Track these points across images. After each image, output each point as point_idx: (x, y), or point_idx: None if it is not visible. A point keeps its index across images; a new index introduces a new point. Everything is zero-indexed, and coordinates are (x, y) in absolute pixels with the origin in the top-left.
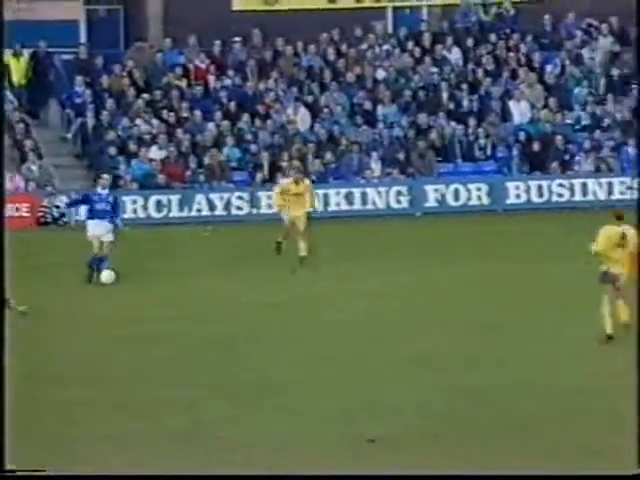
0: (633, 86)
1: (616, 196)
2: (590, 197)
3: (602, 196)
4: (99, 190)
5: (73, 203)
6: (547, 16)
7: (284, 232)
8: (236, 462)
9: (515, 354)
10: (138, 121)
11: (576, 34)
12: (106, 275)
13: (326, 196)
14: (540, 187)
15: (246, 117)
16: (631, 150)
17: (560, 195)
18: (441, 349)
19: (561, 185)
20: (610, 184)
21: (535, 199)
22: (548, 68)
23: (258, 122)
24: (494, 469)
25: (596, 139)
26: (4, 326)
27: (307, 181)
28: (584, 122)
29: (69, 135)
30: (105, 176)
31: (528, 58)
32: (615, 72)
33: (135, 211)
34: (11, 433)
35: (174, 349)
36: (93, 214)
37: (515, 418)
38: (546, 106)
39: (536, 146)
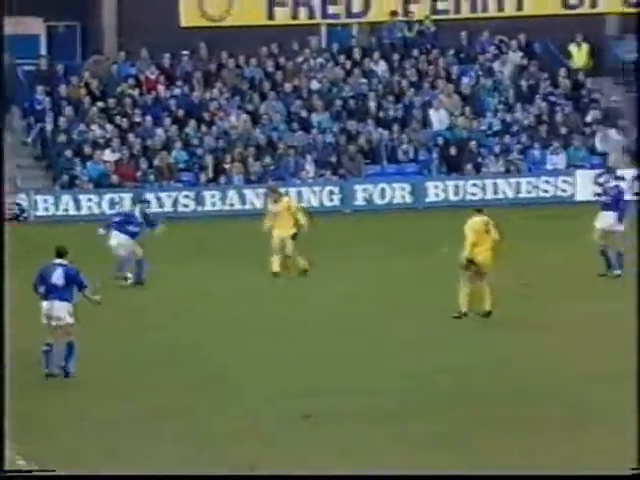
0: (537, 95)
1: (523, 194)
2: (500, 195)
3: (511, 194)
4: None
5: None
6: (463, 33)
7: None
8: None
9: (453, 337)
10: (93, 126)
11: (489, 49)
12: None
13: (266, 195)
14: (456, 187)
15: (192, 123)
16: (537, 153)
17: (474, 194)
18: (393, 335)
19: (475, 185)
20: (518, 183)
21: (452, 197)
22: (464, 80)
23: (203, 128)
24: (420, 443)
25: (506, 143)
26: (4, 324)
27: (286, 199)
28: (495, 128)
29: (29, 139)
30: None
31: (446, 71)
32: (523, 83)
33: (90, 208)
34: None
35: (155, 337)
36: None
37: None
38: (462, 114)
39: (453, 150)
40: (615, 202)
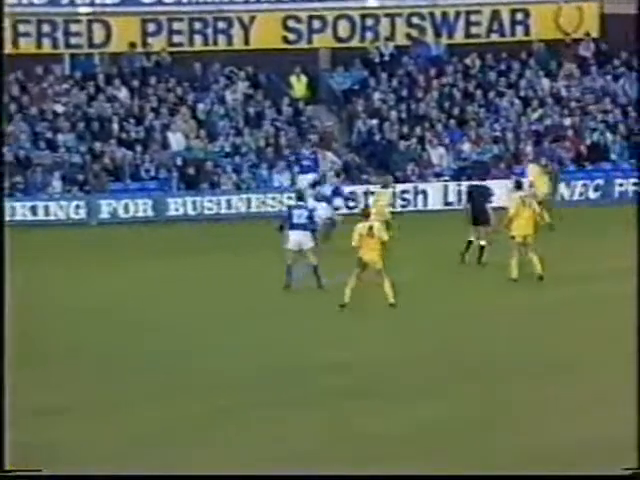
0: (264, 121)
1: (254, 209)
2: (233, 210)
3: (243, 209)
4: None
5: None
6: (197, 64)
7: None
8: None
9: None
10: None
11: (220, 79)
12: None
13: (13, 209)
14: (194, 202)
15: None
16: (264, 172)
17: (210, 209)
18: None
19: (210, 200)
20: (249, 199)
21: (190, 212)
22: (199, 106)
23: None
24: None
25: (237, 163)
26: (4, 325)
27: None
28: (227, 149)
29: None
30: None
31: (183, 98)
32: (250, 110)
33: None
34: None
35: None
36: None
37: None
38: (198, 137)
39: (191, 169)
40: (307, 222)
